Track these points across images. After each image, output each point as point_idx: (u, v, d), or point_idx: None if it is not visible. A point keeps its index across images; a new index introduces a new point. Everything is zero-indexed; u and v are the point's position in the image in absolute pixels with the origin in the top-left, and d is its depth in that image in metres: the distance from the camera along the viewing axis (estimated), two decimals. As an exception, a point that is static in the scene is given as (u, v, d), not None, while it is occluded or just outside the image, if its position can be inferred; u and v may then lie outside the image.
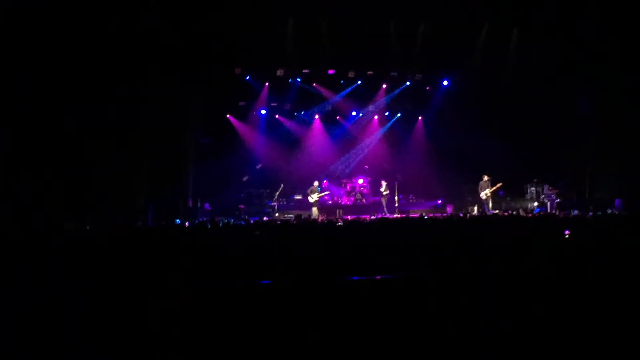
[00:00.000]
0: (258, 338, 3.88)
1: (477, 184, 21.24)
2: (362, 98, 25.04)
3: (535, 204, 21.58)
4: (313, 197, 21.46)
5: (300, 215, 17.24)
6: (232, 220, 16.66)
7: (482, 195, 21.02)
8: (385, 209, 22.13)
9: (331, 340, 3.83)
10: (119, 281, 4.61)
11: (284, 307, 4.22)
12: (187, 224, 15.50)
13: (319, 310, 4.14)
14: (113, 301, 4.16)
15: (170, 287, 4.37)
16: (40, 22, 15.22)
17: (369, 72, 23.57)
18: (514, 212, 17.78)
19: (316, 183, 21.99)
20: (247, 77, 22.96)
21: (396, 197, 22.36)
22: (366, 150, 26.12)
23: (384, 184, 22.51)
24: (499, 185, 20.85)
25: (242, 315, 4.08)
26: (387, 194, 22.33)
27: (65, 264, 5.38)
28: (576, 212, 18.18)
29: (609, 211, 17.19)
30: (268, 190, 22.94)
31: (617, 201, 18.59)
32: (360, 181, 25.08)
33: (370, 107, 25.57)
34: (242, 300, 4.32)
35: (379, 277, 4.63)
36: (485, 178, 21.09)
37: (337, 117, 25.98)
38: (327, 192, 22.89)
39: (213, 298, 4.33)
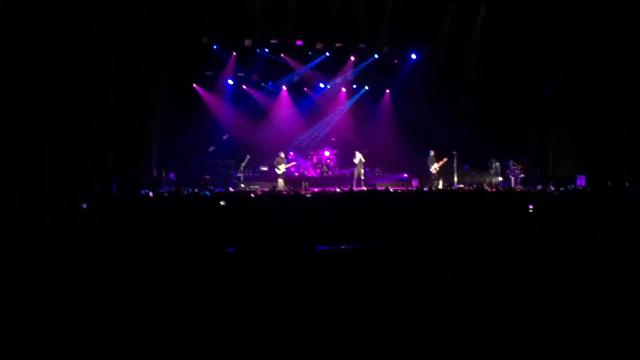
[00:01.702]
0: (222, 309, 3.88)
1: (442, 159, 21.46)
2: (330, 70, 24.95)
3: (500, 178, 21.89)
4: (280, 169, 21.38)
5: (274, 186, 17.19)
6: (198, 190, 16.57)
7: (432, 169, 21.35)
8: (358, 181, 21.98)
9: (298, 310, 3.84)
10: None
11: (249, 277, 4.22)
12: (151, 194, 15.37)
13: (285, 280, 4.15)
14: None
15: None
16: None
17: (337, 44, 23.49)
18: (478, 186, 18.03)
19: (282, 154, 21.88)
20: (215, 47, 22.66)
21: (362, 170, 22.42)
22: (333, 123, 26.10)
23: (358, 155, 22.14)
24: (445, 160, 21.24)
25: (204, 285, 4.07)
26: (362, 164, 22.15)
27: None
28: (539, 187, 18.51)
29: (571, 187, 17.53)
30: (234, 161, 22.80)
31: (580, 177, 18.95)
32: (327, 153, 25.08)
33: (338, 80, 25.50)
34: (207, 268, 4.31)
35: (343, 247, 4.66)
36: (432, 153, 21.46)
37: (305, 89, 25.86)
38: (294, 164, 22.82)
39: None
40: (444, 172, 21.67)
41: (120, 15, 17.56)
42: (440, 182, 21.50)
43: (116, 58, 17.58)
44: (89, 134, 17.30)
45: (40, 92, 15.53)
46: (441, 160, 21.20)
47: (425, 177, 22.16)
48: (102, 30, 17.06)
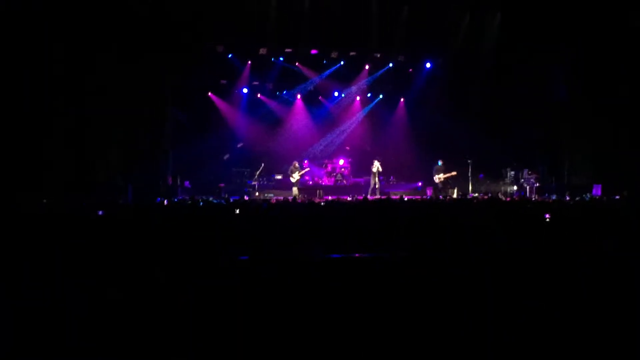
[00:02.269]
0: (237, 317, 3.89)
1: (457, 168, 21.39)
2: (344, 79, 24.98)
3: (515, 187, 21.76)
4: (294, 177, 21.40)
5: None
6: (212, 199, 16.63)
7: (436, 179, 21.31)
8: (373, 190, 21.92)
9: (311, 319, 3.85)
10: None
11: (262, 284, 4.24)
12: (165, 202, 15.44)
13: (298, 287, 4.17)
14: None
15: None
16: None
17: (351, 53, 23.53)
18: (492, 195, 17.95)
19: (296, 163, 21.90)
20: (230, 55, 22.79)
21: (377, 179, 22.41)
22: (347, 131, 26.15)
23: (376, 163, 21.92)
24: (453, 173, 21.20)
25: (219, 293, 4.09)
26: (378, 173, 22.12)
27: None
28: (554, 196, 18.39)
29: (587, 196, 17.39)
30: (248, 170, 22.88)
31: (596, 187, 18.79)
32: (341, 162, 25.07)
33: (353, 88, 25.55)
34: (222, 276, 4.33)
35: (357, 255, 4.67)
36: (441, 162, 21.44)
37: (319, 98, 25.92)
38: (307, 169, 22.80)
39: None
40: (449, 184, 21.61)
41: (136, 24, 17.75)
42: (455, 191, 21.42)
43: (133, 67, 17.76)
44: (103, 140, 17.47)
45: (45, 94, 15.71)
46: (449, 172, 21.15)
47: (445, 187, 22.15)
48: (119, 37, 17.27)
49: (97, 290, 4.14)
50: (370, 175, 22.39)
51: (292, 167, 21.64)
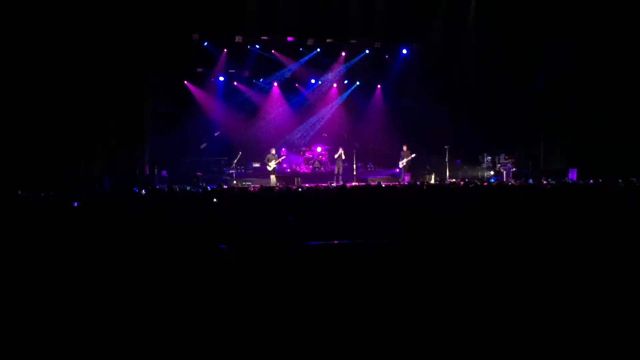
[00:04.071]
0: (217, 305, 3.88)
1: (437, 153, 21.62)
2: (321, 66, 25.00)
3: (492, 172, 21.94)
4: (271, 165, 21.37)
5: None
6: (190, 188, 16.56)
7: (400, 164, 21.65)
8: (339, 177, 22.25)
9: (289, 306, 3.85)
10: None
11: (241, 273, 4.23)
12: (143, 191, 15.32)
13: (277, 275, 4.16)
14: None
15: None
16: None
17: (328, 40, 23.50)
18: (469, 181, 18.07)
19: (273, 151, 21.87)
20: (205, 43, 22.64)
21: (354, 166, 22.48)
22: (325, 119, 26.15)
23: (340, 150, 22.60)
24: (412, 156, 21.59)
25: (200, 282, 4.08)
26: (342, 161, 22.53)
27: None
28: (531, 180, 18.61)
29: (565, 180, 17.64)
30: (226, 158, 22.79)
31: (572, 171, 19.03)
32: (319, 149, 25.09)
33: (329, 75, 25.54)
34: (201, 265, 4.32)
35: (336, 241, 4.67)
36: (405, 148, 21.79)
37: (296, 85, 25.89)
38: (283, 157, 22.80)
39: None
40: (412, 167, 22.06)
41: (111, 13, 17.52)
42: (433, 177, 21.58)
43: (108, 55, 17.55)
44: (79, 131, 17.27)
45: (25, 88, 15.54)
46: (409, 156, 21.54)
47: (418, 172, 22.28)
48: (93, 26, 17.04)
49: (88, 288, 4.10)
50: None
51: (268, 155, 21.61)
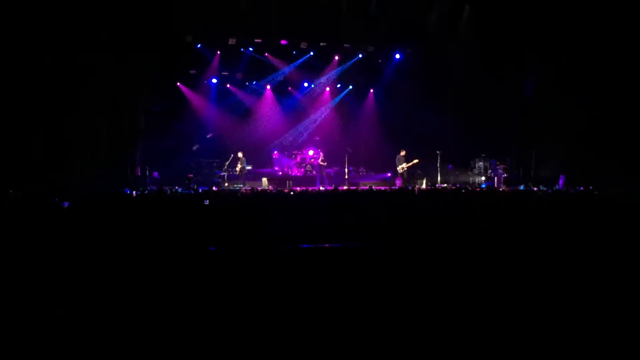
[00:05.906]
0: (205, 304, 3.89)
1: (427, 158, 21.57)
2: (314, 69, 25.01)
3: (483, 178, 21.98)
4: (237, 169, 21.61)
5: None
6: (181, 190, 16.54)
7: (399, 169, 21.44)
8: (323, 180, 22.34)
9: (279, 306, 3.86)
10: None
11: (231, 274, 4.23)
12: (134, 193, 15.29)
13: (266, 276, 4.17)
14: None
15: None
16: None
17: (321, 44, 23.54)
18: (461, 186, 18.14)
19: (240, 154, 21.90)
20: (199, 45, 22.63)
21: (346, 169, 22.49)
22: (317, 122, 26.16)
23: (321, 154, 22.92)
24: (415, 161, 21.27)
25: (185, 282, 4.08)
26: (324, 165, 22.67)
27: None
28: (522, 187, 18.67)
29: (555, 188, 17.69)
30: (218, 160, 22.74)
31: (561, 178, 19.08)
32: (311, 152, 25.05)
33: (322, 79, 25.57)
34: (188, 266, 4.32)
35: (327, 245, 4.69)
36: (402, 153, 21.58)
37: (289, 88, 25.88)
38: (250, 168, 22.87)
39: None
40: (418, 174, 21.87)
41: (106, 15, 17.49)
42: (424, 182, 21.59)
43: (100, 56, 17.51)
44: (71, 132, 17.23)
45: (19, 90, 15.51)
46: (411, 161, 21.27)
47: (409, 177, 22.29)
48: (86, 27, 17.01)
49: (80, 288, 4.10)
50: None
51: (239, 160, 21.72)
